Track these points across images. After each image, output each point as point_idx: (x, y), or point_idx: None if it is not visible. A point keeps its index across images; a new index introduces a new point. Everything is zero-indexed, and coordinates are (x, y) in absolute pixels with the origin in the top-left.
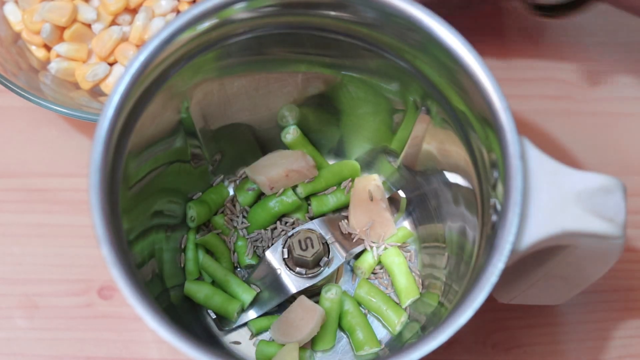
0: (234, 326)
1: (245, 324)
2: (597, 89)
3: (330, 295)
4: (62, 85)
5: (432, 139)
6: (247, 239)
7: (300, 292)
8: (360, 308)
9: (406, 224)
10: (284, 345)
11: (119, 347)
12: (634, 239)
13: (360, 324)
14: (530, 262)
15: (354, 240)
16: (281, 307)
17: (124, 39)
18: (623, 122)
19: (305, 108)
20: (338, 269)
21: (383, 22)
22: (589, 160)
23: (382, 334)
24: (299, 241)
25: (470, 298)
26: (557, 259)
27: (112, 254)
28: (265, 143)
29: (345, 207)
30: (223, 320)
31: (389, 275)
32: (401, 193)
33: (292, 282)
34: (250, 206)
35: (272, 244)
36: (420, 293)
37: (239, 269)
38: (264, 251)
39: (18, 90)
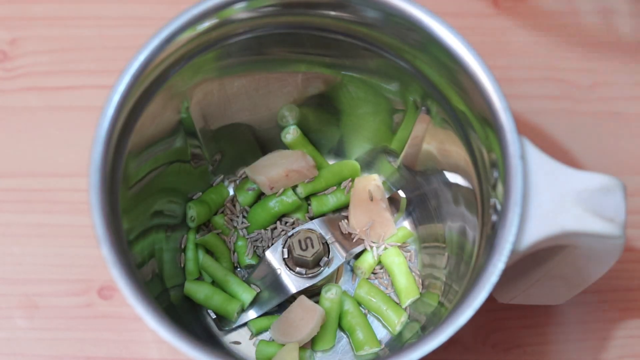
0: (233, 326)
1: (245, 324)
2: (597, 89)
3: (330, 295)
4: None
5: (432, 139)
6: (247, 239)
7: (300, 292)
8: (360, 308)
9: (406, 224)
10: (283, 345)
11: (119, 347)
12: (634, 239)
13: (360, 324)
14: (530, 262)
15: (354, 240)
16: (281, 307)
17: None
18: (623, 122)
19: (305, 108)
20: (338, 269)
21: (383, 22)
22: (589, 160)
23: (382, 334)
24: (299, 241)
25: (470, 298)
26: (557, 259)
27: (112, 254)
28: (265, 143)
29: (345, 207)
30: (223, 320)
31: (389, 275)
32: (401, 193)
33: (292, 282)
34: (250, 206)
35: (272, 244)
36: (420, 293)
37: (239, 269)
38: (264, 251)
39: None
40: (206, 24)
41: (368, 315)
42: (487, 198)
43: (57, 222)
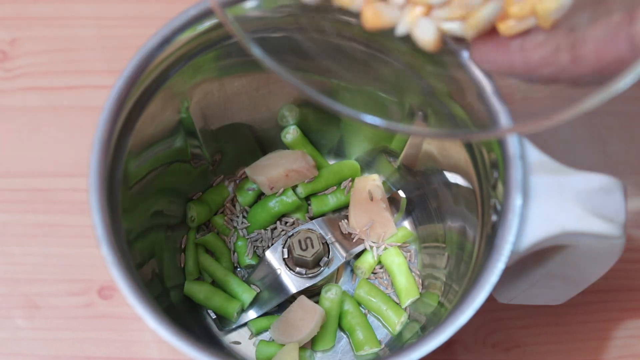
0: (233, 326)
1: (245, 324)
2: None
3: (330, 295)
4: None
5: (432, 139)
6: (247, 239)
7: (300, 292)
8: (360, 308)
9: (406, 224)
10: (283, 345)
11: (119, 347)
12: (634, 239)
13: (361, 324)
14: (530, 262)
15: (354, 240)
16: (281, 307)
17: None
18: (623, 122)
19: (305, 108)
20: (338, 269)
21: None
22: (589, 160)
23: (382, 334)
24: (299, 241)
25: (470, 298)
26: (557, 259)
27: (112, 254)
28: (265, 143)
29: (345, 207)
30: (223, 320)
31: (389, 275)
32: (401, 193)
33: (292, 282)
34: (250, 206)
35: (272, 244)
36: (420, 293)
37: (238, 269)
38: (264, 251)
39: None
40: (206, 24)
41: (368, 315)
42: (487, 198)
43: (57, 222)
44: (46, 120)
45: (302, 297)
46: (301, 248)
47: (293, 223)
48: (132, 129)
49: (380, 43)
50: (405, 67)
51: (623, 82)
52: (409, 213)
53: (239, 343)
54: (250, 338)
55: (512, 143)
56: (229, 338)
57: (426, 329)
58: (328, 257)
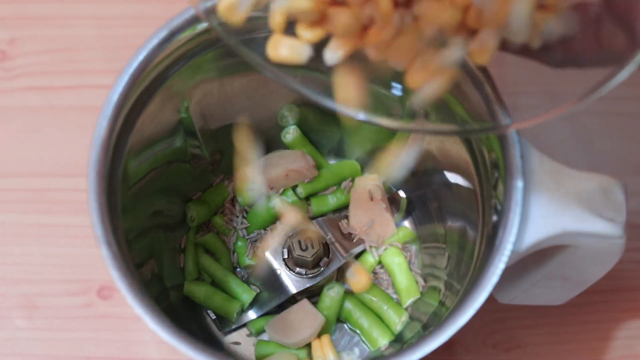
0: (233, 327)
1: (244, 325)
2: None
3: (332, 293)
4: None
5: (432, 139)
6: (247, 239)
7: (300, 293)
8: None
9: (406, 224)
10: (281, 345)
11: (119, 347)
12: (635, 239)
13: (370, 320)
14: (531, 262)
15: (354, 241)
16: (281, 308)
17: None
18: (623, 122)
19: (305, 108)
20: (338, 269)
21: None
22: (589, 160)
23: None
24: (299, 241)
25: (471, 298)
26: (558, 259)
27: (112, 253)
28: (265, 143)
29: (345, 207)
30: (223, 321)
31: (389, 275)
32: (401, 193)
33: (292, 283)
34: (250, 206)
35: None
36: (421, 293)
37: (238, 269)
38: (263, 252)
39: None
40: (205, 24)
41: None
42: (488, 198)
43: (56, 222)
44: (46, 120)
45: (305, 301)
46: (301, 248)
47: None
48: (132, 128)
49: None
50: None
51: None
52: (409, 213)
53: (238, 343)
54: (249, 336)
55: (513, 143)
56: (229, 339)
57: (427, 329)
58: (328, 258)
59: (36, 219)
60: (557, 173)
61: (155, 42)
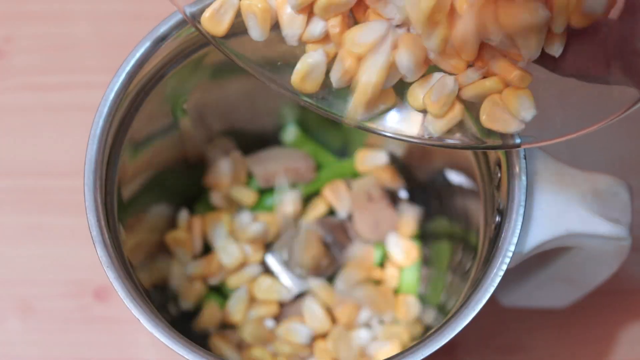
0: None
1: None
2: None
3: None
4: None
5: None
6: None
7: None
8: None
9: (407, 224)
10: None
11: (115, 350)
12: None
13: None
14: (535, 263)
15: (355, 241)
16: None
17: None
18: (629, 122)
19: (305, 107)
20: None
21: None
22: (593, 161)
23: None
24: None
25: (473, 300)
26: (562, 260)
27: (108, 254)
28: (265, 143)
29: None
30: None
31: (391, 275)
32: (402, 193)
33: (292, 283)
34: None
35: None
36: (422, 293)
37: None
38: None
39: None
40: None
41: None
42: (491, 198)
43: (51, 222)
44: (41, 119)
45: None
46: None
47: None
48: (128, 128)
49: None
50: None
51: None
52: (410, 212)
53: None
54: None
55: None
56: None
57: (428, 331)
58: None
59: (30, 220)
60: (561, 173)
61: (152, 39)
